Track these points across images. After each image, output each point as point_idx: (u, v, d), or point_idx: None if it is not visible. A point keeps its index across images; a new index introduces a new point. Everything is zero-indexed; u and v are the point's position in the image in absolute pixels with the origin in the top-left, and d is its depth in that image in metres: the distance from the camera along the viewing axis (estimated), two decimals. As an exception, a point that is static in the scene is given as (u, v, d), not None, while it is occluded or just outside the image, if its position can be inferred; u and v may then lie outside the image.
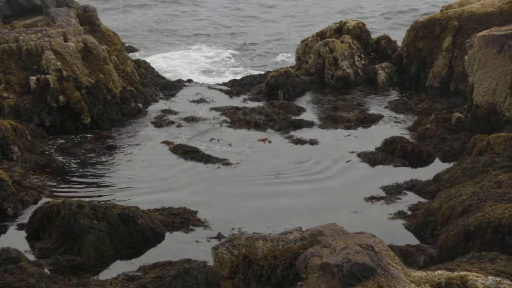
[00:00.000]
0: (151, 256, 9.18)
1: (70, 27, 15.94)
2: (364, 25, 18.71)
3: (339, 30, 18.50)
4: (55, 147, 13.54)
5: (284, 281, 6.89)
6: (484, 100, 13.21)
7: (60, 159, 12.90)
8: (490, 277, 6.37)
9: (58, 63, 14.54)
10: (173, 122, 14.92)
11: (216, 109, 15.76)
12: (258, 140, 13.85)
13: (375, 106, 15.87)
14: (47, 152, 13.22)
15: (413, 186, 11.40)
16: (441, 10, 17.63)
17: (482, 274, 6.59)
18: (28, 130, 13.51)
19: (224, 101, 16.53)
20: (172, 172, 12.30)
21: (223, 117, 15.14)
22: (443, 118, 14.12)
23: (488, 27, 14.63)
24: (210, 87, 17.91)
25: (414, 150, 12.70)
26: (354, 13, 29.96)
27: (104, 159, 12.97)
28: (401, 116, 15.12)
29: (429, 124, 13.89)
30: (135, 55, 21.67)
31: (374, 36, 18.87)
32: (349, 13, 29.63)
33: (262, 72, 19.41)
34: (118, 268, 8.85)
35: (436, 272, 6.50)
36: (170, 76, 19.57)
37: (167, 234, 9.85)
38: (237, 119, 14.99)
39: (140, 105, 15.85)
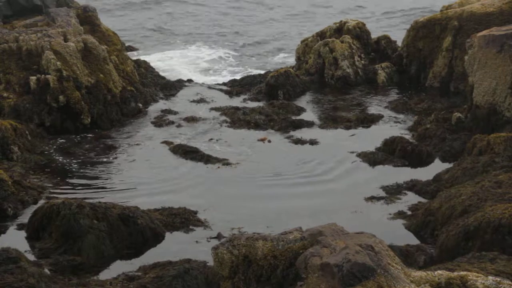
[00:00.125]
0: (151, 256, 9.18)
1: (70, 27, 15.94)
2: (364, 25, 18.70)
3: (339, 30, 18.49)
4: (55, 147, 13.54)
5: (284, 281, 6.88)
6: (484, 100, 13.21)
7: (60, 159, 12.90)
8: (490, 277, 6.37)
9: (58, 63, 14.54)
10: (173, 122, 14.91)
11: (216, 109, 15.75)
12: (257, 140, 13.86)
13: (375, 106, 15.87)
14: (47, 152, 13.22)
15: (413, 186, 11.40)
16: (441, 10, 17.62)
17: (482, 274, 6.59)
18: (28, 130, 13.51)
19: (224, 101, 16.53)
20: (172, 172, 12.30)
21: (223, 117, 15.14)
22: (443, 118, 14.11)
23: (488, 27, 14.62)
24: (210, 87, 17.90)
25: (414, 150, 12.69)
26: (354, 13, 29.94)
27: (104, 159, 12.97)
28: (401, 116, 15.12)
29: (429, 124, 13.88)
30: (135, 55, 21.65)
31: (374, 36, 18.85)
32: (349, 13, 29.62)
33: (262, 72, 19.41)
34: (118, 268, 8.85)
35: (436, 272, 6.49)
36: (170, 76, 19.55)
37: (167, 234, 9.85)
38: (237, 119, 14.98)
39: (140, 105, 15.85)
